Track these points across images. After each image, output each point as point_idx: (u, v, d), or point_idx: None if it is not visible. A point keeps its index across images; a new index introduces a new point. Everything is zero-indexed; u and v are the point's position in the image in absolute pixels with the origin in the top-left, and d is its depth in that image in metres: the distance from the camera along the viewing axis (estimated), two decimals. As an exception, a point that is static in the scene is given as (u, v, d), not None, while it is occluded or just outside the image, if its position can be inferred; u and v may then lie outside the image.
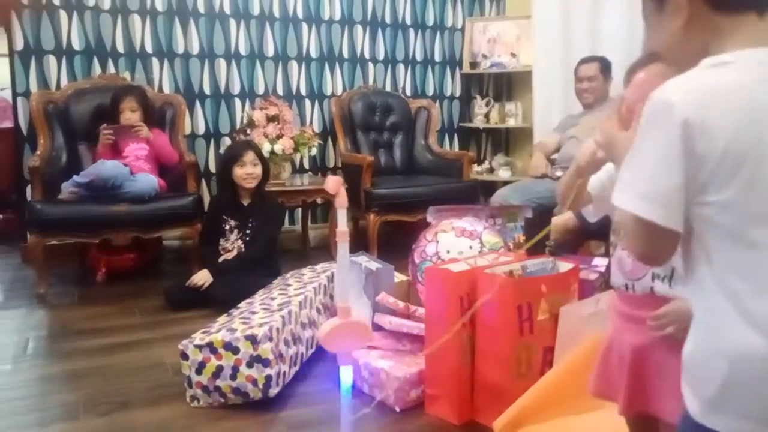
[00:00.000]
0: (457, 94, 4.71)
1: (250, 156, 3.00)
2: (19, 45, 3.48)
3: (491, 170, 4.60)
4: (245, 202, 3.06)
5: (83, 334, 2.55)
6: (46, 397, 2.04)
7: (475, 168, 4.53)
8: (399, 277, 2.40)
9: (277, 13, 4.04)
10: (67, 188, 3.03)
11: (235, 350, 1.88)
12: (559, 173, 3.23)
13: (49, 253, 3.03)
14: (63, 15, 3.54)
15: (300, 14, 4.10)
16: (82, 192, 3.01)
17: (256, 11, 3.98)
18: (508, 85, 4.74)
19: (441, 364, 1.84)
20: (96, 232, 3.02)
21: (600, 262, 2.16)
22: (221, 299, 2.58)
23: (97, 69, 3.64)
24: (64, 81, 3.57)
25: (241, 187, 3.02)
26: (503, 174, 4.46)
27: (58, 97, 3.45)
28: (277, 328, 1.96)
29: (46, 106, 3.38)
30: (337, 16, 4.22)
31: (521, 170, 4.43)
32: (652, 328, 1.17)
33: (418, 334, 2.03)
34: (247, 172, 2.98)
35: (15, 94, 3.52)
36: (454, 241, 2.30)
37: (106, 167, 3.01)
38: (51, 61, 3.55)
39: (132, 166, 3.13)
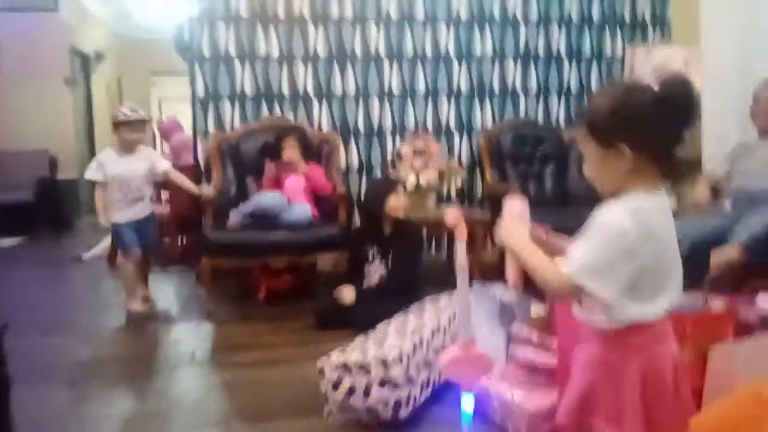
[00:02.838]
0: (616, 124, 4.50)
1: (402, 189, 3.21)
2: (200, 91, 3.95)
3: (654, 203, 4.30)
4: (387, 231, 3.18)
5: (241, 348, 2.79)
6: (204, 403, 2.26)
7: (636, 200, 4.27)
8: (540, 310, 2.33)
9: (429, 53, 4.18)
10: (233, 217, 3.36)
11: (367, 371, 1.95)
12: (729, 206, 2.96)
13: (218, 274, 3.35)
14: (237, 64, 3.97)
15: (451, 52, 4.21)
16: (246, 220, 3.31)
17: (409, 52, 4.16)
18: (673, 113, 4.44)
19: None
20: (257, 256, 3.30)
21: (765, 303, 1.94)
22: (361, 322, 2.68)
23: (264, 111, 4.01)
24: (237, 122, 3.98)
25: (385, 218, 3.15)
26: (667, 206, 4.15)
27: (231, 137, 3.85)
28: (408, 353, 1.99)
29: (220, 145, 3.79)
30: (489, 52, 4.27)
31: (688, 202, 4.09)
32: None
33: (551, 367, 1.95)
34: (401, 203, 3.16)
35: (195, 134, 4.00)
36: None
37: (266, 198, 3.30)
38: (226, 105, 3.99)
39: (289, 197, 3.39)
